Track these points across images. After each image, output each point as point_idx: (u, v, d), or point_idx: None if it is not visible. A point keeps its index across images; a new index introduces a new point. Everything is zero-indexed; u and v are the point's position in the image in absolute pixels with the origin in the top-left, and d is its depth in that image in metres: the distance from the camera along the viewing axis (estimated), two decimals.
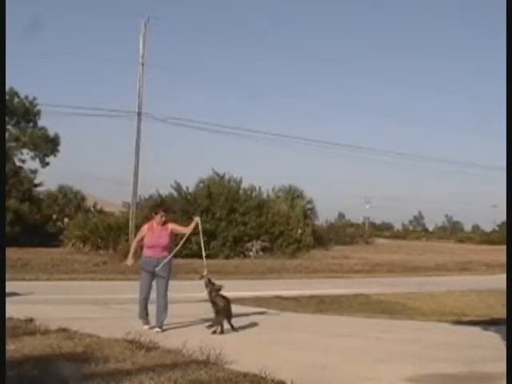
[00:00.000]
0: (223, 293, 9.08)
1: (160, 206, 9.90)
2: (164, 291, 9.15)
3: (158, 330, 8.95)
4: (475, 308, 13.81)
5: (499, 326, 9.49)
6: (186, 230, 9.54)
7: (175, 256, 9.63)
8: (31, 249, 28.89)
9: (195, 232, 9.69)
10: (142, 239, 9.36)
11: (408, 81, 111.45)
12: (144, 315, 9.24)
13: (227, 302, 9.00)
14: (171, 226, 9.40)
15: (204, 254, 9.75)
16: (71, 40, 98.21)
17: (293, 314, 11.97)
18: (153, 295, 9.31)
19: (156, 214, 9.31)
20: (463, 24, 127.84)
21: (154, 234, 9.18)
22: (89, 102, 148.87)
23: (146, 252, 9.22)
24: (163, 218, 9.28)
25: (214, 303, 8.95)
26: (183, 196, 32.59)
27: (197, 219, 9.46)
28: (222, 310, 8.87)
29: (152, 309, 9.23)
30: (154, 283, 9.28)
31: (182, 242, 9.80)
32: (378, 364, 7.00)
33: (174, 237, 9.50)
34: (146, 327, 9.04)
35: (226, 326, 8.91)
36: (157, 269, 9.09)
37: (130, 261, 9.43)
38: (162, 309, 9.11)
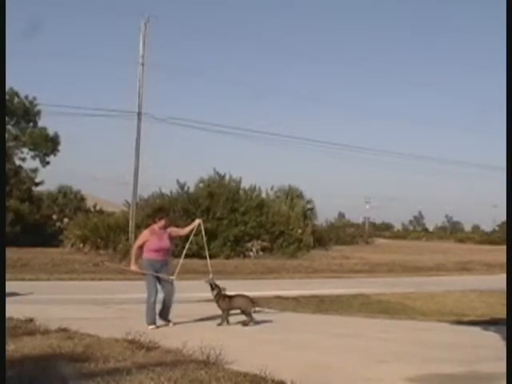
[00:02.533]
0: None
1: (162, 212, 10.21)
2: (172, 290, 9.50)
3: (172, 324, 9.45)
4: (475, 308, 13.82)
5: (499, 325, 9.49)
6: (182, 232, 10.11)
7: (175, 256, 9.79)
8: (31, 249, 28.88)
9: (196, 233, 10.02)
10: (143, 244, 9.57)
11: (408, 81, 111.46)
12: (154, 316, 9.36)
13: (240, 297, 9.58)
14: (169, 229, 9.75)
15: (208, 257, 10.23)
16: (71, 40, 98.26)
17: (293, 314, 11.96)
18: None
19: (160, 219, 9.66)
20: (463, 24, 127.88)
21: (158, 238, 9.48)
22: (89, 102, 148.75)
23: (151, 255, 9.44)
24: (166, 223, 9.64)
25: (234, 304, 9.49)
26: (184, 196, 32.59)
27: (198, 221, 9.89)
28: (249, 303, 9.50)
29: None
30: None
31: (187, 245, 10.18)
32: (378, 364, 6.99)
33: (173, 239, 9.90)
34: (152, 327, 9.17)
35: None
36: (160, 273, 9.39)
37: (134, 266, 9.62)
38: (171, 306, 9.51)
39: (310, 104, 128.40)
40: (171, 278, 9.46)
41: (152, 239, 9.48)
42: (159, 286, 9.48)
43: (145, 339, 7.23)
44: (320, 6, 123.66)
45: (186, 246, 10.20)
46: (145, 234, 9.70)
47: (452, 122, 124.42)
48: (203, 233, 9.89)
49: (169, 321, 9.51)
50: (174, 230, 9.89)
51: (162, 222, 9.60)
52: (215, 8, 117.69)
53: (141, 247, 9.59)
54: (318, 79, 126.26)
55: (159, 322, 9.42)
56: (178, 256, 10.52)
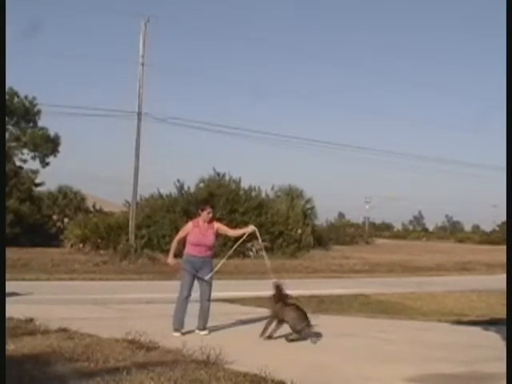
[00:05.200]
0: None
1: (207, 203, 9.30)
2: (209, 293, 8.81)
3: (205, 332, 8.71)
4: (475, 308, 13.79)
5: (499, 325, 9.49)
6: (231, 233, 9.27)
7: (216, 256, 9.26)
8: (31, 249, 28.88)
9: (246, 239, 9.32)
10: (184, 237, 8.82)
11: (408, 81, 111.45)
12: (181, 318, 8.66)
13: (298, 308, 8.73)
14: (217, 225, 8.97)
15: (268, 263, 9.57)
16: (71, 40, 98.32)
17: None
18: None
19: (203, 210, 8.80)
20: (463, 24, 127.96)
21: (200, 231, 8.70)
22: (89, 102, 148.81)
23: (191, 250, 8.70)
24: (210, 215, 8.81)
25: (284, 315, 8.49)
26: (184, 196, 32.57)
27: (253, 228, 9.09)
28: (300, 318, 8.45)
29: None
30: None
31: (236, 245, 9.50)
32: (378, 364, 7.00)
33: (218, 236, 9.08)
34: (177, 334, 8.43)
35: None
36: (200, 272, 8.67)
37: (171, 260, 8.94)
38: (207, 311, 8.81)
39: (310, 104, 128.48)
40: (206, 277, 8.66)
41: (193, 232, 8.68)
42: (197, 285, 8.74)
43: (145, 339, 7.24)
44: (320, 6, 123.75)
45: (234, 247, 9.52)
46: (187, 226, 8.85)
47: (452, 122, 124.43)
48: (260, 240, 9.20)
49: (202, 329, 8.73)
50: (223, 229, 9.04)
51: (205, 215, 8.71)
52: (215, 8, 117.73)
53: (182, 241, 8.84)
54: (318, 79, 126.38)
55: (187, 328, 8.68)
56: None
